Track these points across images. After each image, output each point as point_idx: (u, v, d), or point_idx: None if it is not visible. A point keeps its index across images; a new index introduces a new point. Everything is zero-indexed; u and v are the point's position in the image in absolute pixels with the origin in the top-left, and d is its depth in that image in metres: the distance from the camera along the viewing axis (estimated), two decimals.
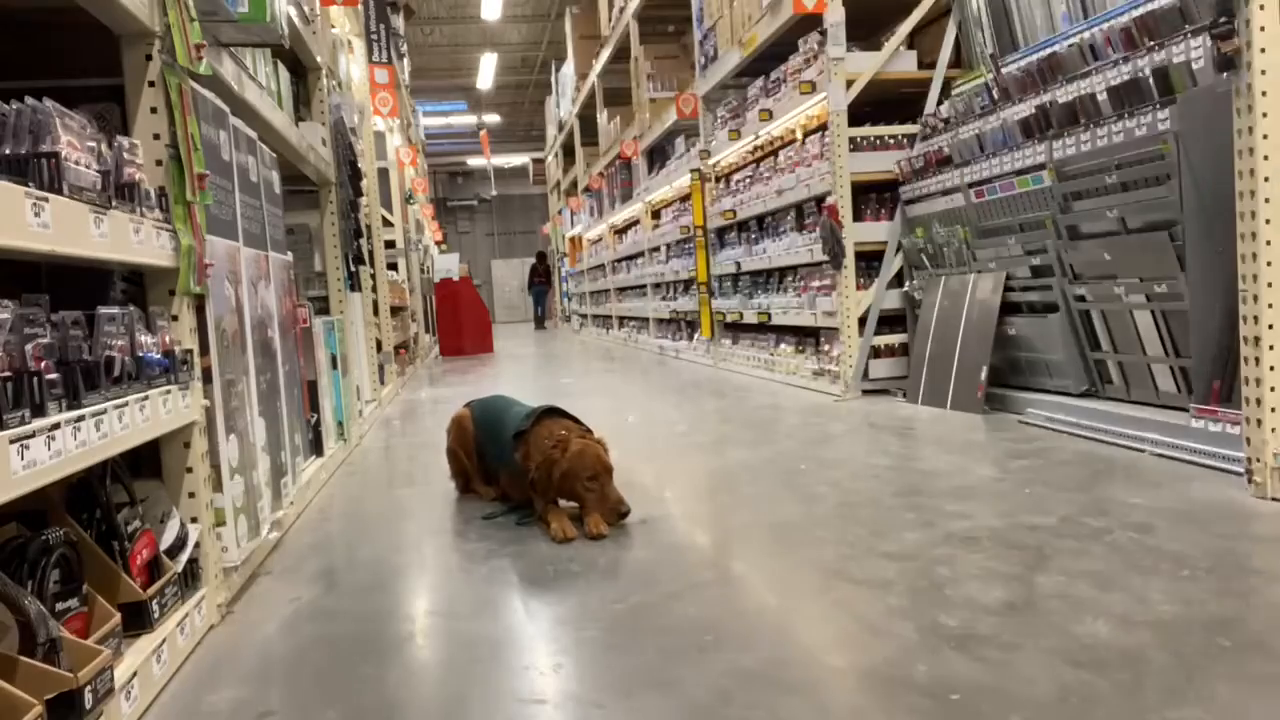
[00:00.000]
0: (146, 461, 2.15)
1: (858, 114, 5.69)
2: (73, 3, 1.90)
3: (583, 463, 2.88)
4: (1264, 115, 2.67)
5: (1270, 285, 2.71)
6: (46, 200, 1.52)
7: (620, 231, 13.54)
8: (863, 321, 5.61)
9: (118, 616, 1.73)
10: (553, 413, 3.16)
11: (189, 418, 2.12)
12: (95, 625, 1.69)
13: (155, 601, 1.89)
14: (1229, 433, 3.14)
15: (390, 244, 8.69)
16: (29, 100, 1.63)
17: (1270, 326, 2.72)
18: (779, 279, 7.07)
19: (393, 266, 8.80)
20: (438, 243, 19.08)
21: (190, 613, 2.04)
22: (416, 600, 2.45)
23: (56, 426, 1.49)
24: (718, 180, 8.39)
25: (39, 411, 1.47)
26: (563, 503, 2.99)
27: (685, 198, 9.36)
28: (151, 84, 2.10)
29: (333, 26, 5.54)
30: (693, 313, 9.11)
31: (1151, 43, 3.63)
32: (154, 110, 2.10)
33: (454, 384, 8.47)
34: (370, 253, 6.36)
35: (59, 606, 1.62)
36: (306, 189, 4.77)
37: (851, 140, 5.59)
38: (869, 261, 5.72)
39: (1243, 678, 1.64)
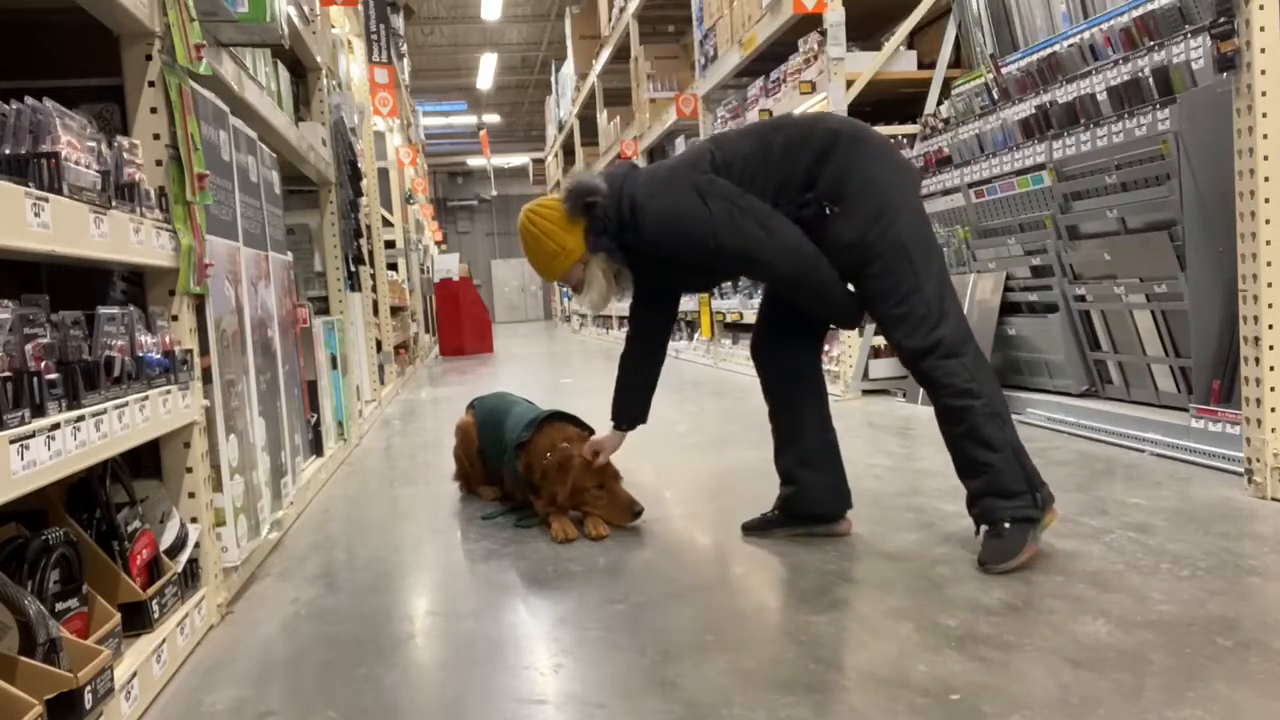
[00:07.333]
0: (146, 461, 2.16)
1: (858, 114, 5.65)
2: (73, 3, 1.90)
3: (587, 474, 2.86)
4: (1264, 115, 2.68)
5: (1270, 285, 2.71)
6: (46, 200, 1.52)
7: None
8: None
9: (118, 616, 1.73)
10: (554, 418, 3.09)
11: (189, 418, 2.12)
12: (95, 625, 1.69)
13: (155, 601, 1.89)
14: (1229, 433, 3.14)
15: (390, 244, 8.69)
16: (29, 100, 1.63)
17: (1270, 326, 2.72)
18: None
19: (393, 266, 8.80)
20: (438, 243, 19.08)
21: (190, 613, 2.04)
22: (417, 600, 2.45)
23: (56, 426, 1.49)
24: None
25: (39, 411, 1.47)
26: None
27: None
28: (151, 84, 2.10)
29: (333, 26, 5.54)
30: (693, 313, 9.11)
31: (1151, 43, 3.63)
32: (154, 110, 2.10)
33: (454, 384, 8.47)
34: (370, 253, 6.37)
35: (59, 606, 1.62)
36: (306, 189, 4.77)
37: None
38: None
39: (1243, 678, 1.64)
